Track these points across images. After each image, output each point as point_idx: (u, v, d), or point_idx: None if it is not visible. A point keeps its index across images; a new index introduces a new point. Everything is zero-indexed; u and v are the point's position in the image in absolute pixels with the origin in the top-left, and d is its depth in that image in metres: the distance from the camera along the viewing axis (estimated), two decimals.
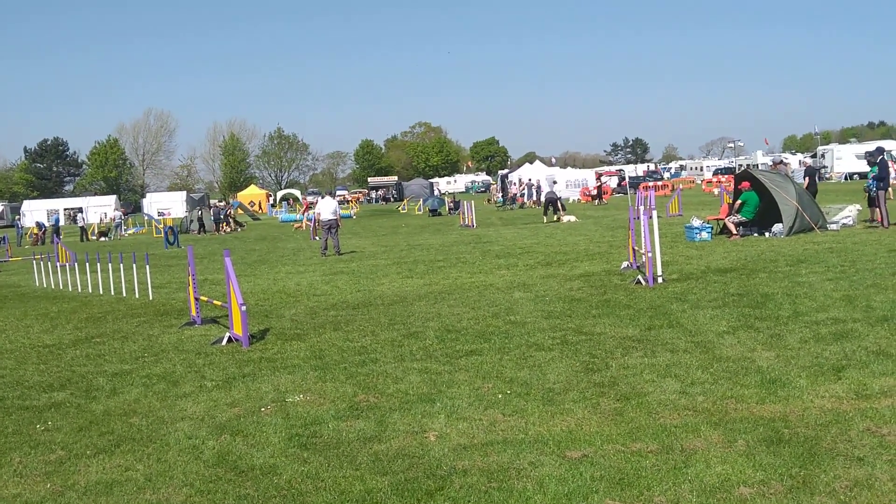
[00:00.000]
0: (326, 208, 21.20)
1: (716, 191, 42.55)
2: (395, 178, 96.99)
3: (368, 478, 4.74)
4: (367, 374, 7.26)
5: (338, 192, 72.28)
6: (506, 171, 66.55)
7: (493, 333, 8.77)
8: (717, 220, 18.88)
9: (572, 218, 29.55)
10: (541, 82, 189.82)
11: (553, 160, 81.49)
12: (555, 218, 29.96)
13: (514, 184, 54.40)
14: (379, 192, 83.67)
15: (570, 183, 56.13)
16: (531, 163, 66.93)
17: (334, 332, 9.46)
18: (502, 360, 7.49)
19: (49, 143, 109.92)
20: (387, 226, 36.53)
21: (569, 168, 71.67)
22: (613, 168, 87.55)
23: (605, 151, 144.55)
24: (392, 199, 79.72)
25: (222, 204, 48.11)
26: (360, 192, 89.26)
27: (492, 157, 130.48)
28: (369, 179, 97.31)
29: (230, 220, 42.60)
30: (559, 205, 30.89)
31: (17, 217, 61.20)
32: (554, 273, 13.72)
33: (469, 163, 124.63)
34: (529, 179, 51.26)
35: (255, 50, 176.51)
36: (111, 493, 4.75)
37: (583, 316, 9.45)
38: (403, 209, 55.61)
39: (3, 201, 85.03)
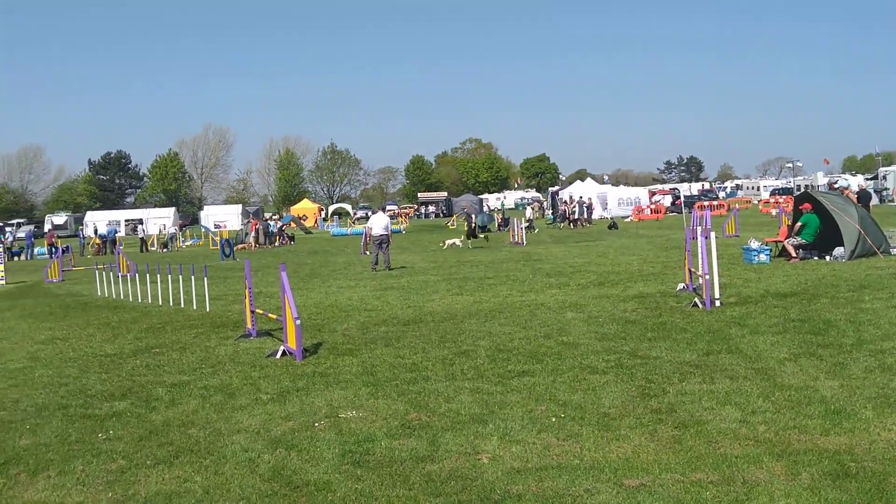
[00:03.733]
0: (378, 223, 21.35)
1: (773, 212, 41.71)
2: (445, 193, 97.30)
3: (422, 498, 4.73)
4: (418, 392, 7.27)
5: (387, 207, 72.85)
6: (556, 188, 66.24)
7: (546, 354, 8.70)
8: (776, 242, 18.47)
9: (457, 242, 30.70)
10: (593, 99, 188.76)
11: (605, 178, 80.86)
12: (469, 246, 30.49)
13: (565, 202, 54.11)
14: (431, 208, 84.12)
15: (622, 201, 55.62)
16: (582, 180, 66.48)
17: (385, 349, 9.50)
18: (555, 382, 7.42)
19: (112, 155, 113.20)
20: (436, 241, 36.61)
21: (621, 186, 70.96)
22: (667, 186, 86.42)
23: (658, 170, 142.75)
24: (441, 215, 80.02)
25: (276, 218, 48.82)
26: (409, 208, 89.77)
27: (542, 174, 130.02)
28: (419, 195, 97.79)
29: (283, 233, 43.25)
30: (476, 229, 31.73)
31: (79, 227, 63.05)
32: (607, 293, 13.57)
33: (519, 179, 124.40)
34: (581, 197, 50.93)
35: (311, 67, 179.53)
36: None
37: (638, 339, 9.32)
38: (453, 225, 55.72)
39: (68, 212, 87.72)
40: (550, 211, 55.30)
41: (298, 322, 9.02)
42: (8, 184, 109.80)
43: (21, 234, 63.53)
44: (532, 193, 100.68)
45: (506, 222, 42.95)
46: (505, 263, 21.22)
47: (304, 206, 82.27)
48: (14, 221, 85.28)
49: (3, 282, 24.80)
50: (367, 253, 27.84)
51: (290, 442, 5.93)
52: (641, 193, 59.58)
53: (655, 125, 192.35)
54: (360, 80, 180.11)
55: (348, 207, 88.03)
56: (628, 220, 48.17)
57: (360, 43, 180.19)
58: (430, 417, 6.44)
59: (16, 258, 42.52)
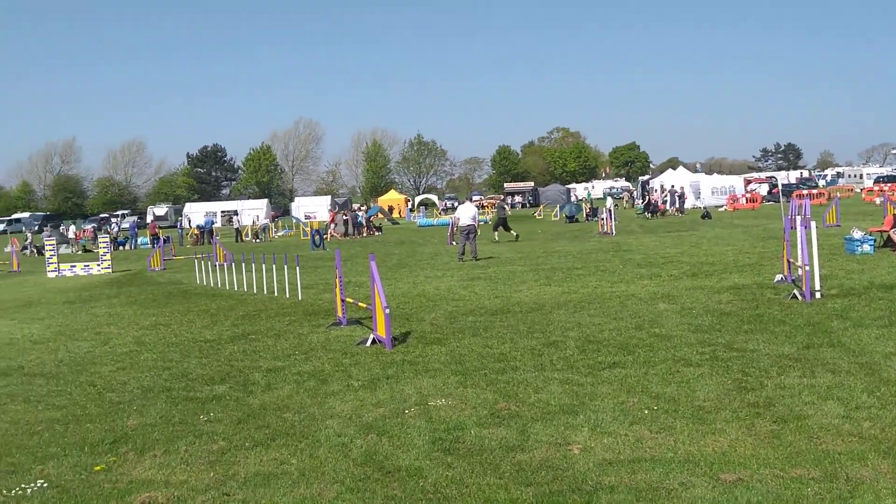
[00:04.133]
0: (466, 214, 21.41)
1: (878, 200, 39.62)
2: (532, 183, 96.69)
3: (512, 487, 4.74)
4: (507, 382, 7.27)
5: (473, 198, 72.89)
6: (647, 177, 64.87)
7: (637, 346, 8.55)
8: (881, 231, 17.57)
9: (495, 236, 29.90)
10: (685, 85, 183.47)
11: (697, 166, 78.70)
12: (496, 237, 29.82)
13: (656, 191, 52.94)
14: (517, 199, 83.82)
15: (715, 190, 53.99)
16: (674, 168, 64.82)
17: (473, 338, 9.53)
18: (647, 375, 7.28)
19: (209, 149, 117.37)
20: (522, 231, 36.45)
21: (714, 174, 68.86)
22: (763, 174, 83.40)
23: (753, 157, 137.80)
24: (528, 205, 79.63)
25: (363, 210, 49.60)
26: (495, 198, 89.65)
27: (631, 163, 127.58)
28: (505, 185, 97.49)
29: (370, 224, 43.91)
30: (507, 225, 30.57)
31: (178, 218, 65.69)
32: (701, 285, 13.23)
33: (607, 168, 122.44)
34: (672, 186, 49.72)
35: (398, 59, 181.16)
36: (268, 485, 4.99)
37: (734, 331, 9.05)
38: (539, 215, 55.35)
39: (168, 203, 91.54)
40: (640, 201, 54.18)
41: (388, 311, 9.15)
42: (113, 177, 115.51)
43: (125, 225, 66.65)
44: (621, 183, 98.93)
45: (594, 212, 42.38)
46: (594, 254, 20.95)
47: (391, 197, 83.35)
48: (119, 213, 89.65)
49: (110, 270, 26.11)
50: (454, 243, 27.98)
51: (382, 428, 6.04)
52: (736, 182, 57.62)
53: (751, 111, 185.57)
54: (446, 72, 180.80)
55: (434, 198, 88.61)
56: (722, 209, 46.73)
57: (446, 36, 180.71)
58: (519, 407, 6.43)
59: (121, 248, 44.63)
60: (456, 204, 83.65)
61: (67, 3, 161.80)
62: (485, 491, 4.70)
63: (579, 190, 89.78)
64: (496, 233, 30.44)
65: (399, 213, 73.10)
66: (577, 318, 10.63)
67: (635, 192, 65.23)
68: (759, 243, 21.03)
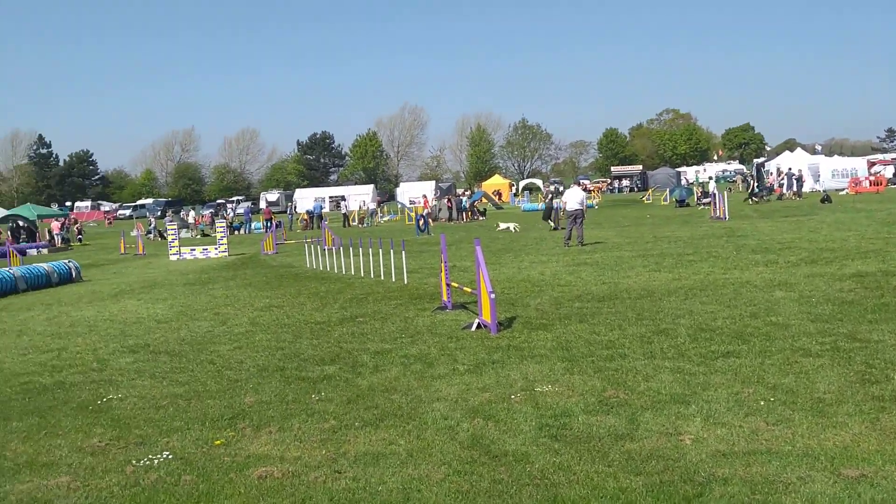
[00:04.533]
0: (573, 198, 21.15)
1: None
2: (640, 167, 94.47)
3: (621, 476, 4.66)
4: (615, 370, 7.15)
5: (580, 181, 71.87)
6: (762, 159, 62.21)
7: (752, 335, 8.23)
8: None
9: (511, 226, 30.20)
10: (802, 62, 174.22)
11: (817, 147, 74.83)
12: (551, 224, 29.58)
13: (772, 173, 50.72)
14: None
15: (836, 172, 51.26)
16: (791, 150, 61.94)
17: (580, 325, 9.42)
18: (763, 365, 7.01)
19: (318, 136, 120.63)
20: (630, 216, 35.72)
21: (835, 156, 65.30)
22: (888, 156, 78.37)
23: (878, 138, 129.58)
24: (636, 189, 77.90)
25: (467, 194, 49.79)
26: (602, 182, 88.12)
27: (745, 145, 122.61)
28: (612, 168, 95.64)
29: (475, 209, 44.04)
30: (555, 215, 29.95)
31: (288, 204, 67.86)
32: (820, 272, 12.59)
33: (720, 151, 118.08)
34: (790, 169, 47.52)
35: (502, 42, 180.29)
36: (377, 464, 5.10)
37: (856, 320, 8.58)
38: (648, 199, 54.07)
39: (279, 189, 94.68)
40: (755, 184, 52.01)
41: (493, 296, 9.16)
42: (228, 164, 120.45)
43: (240, 210, 69.41)
44: (734, 165, 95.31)
45: (705, 196, 41.04)
46: (706, 239, 20.30)
47: (496, 182, 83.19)
48: (234, 198, 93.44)
49: (226, 254, 27.27)
50: (560, 228, 27.72)
51: (488, 412, 6.06)
52: (859, 164, 54.51)
53: (875, 88, 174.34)
54: (551, 54, 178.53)
55: (539, 182, 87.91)
56: (843, 192, 44.33)
57: (551, 17, 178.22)
58: (628, 395, 6.32)
59: (236, 232, 46.53)
60: (561, 188, 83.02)
61: (188, 9, 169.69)
62: (593, 479, 4.65)
63: (690, 173, 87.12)
64: (550, 221, 30.53)
65: (502, 197, 72.96)
66: (688, 305, 10.33)
67: (749, 176, 62.74)
68: (883, 228, 19.84)
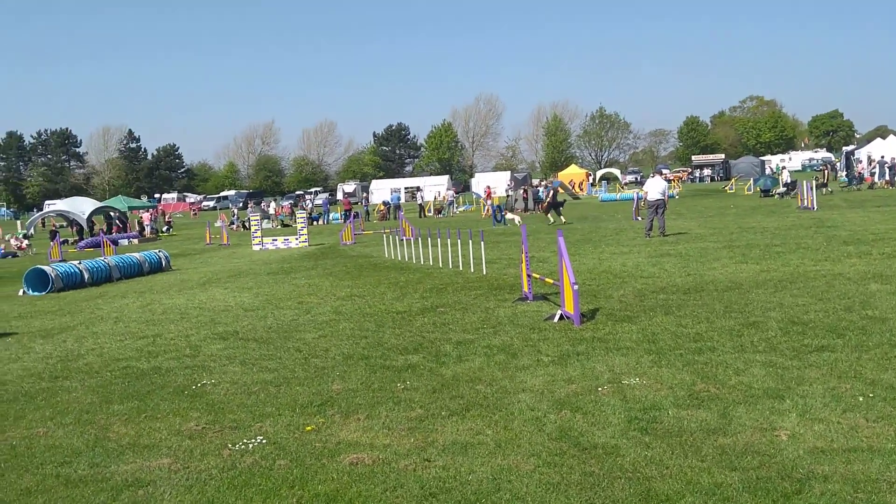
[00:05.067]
0: (655, 188, 20.74)
1: None
2: (722, 156, 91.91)
3: (716, 471, 4.56)
4: (704, 363, 6.99)
5: (662, 171, 70.31)
6: (852, 147, 59.68)
7: (847, 329, 7.93)
8: None
9: (516, 218, 30.08)
10: (894, 44, 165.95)
11: None
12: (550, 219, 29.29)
13: (861, 161, 48.63)
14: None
15: None
16: (883, 138, 59.15)
17: (665, 317, 9.24)
18: (860, 360, 6.74)
19: (393, 128, 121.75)
20: (713, 207, 34.81)
21: None
22: None
23: None
24: (717, 179, 75.87)
25: (544, 185, 49.42)
26: (682, 171, 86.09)
27: (833, 132, 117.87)
28: (693, 158, 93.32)
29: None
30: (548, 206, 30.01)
31: (364, 195, 68.71)
32: None
33: (806, 139, 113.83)
34: (882, 157, 45.47)
35: (579, 30, 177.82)
36: (466, 453, 5.13)
37: None
38: (731, 189, 52.58)
39: (356, 181, 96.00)
40: (843, 173, 49.94)
41: (576, 287, 9.07)
42: (307, 156, 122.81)
43: (318, 202, 70.64)
44: (822, 154, 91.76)
45: (792, 185, 39.66)
46: (793, 230, 19.62)
47: (572, 172, 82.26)
48: (313, 190, 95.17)
49: (307, 244, 27.83)
50: (639, 219, 27.25)
51: (575, 404, 6.01)
52: None
53: None
54: (629, 41, 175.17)
55: (617, 172, 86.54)
56: None
57: (628, 4, 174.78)
58: (719, 389, 6.17)
59: (314, 223, 47.39)
60: (639, 178, 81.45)
61: (269, 9, 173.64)
62: (686, 473, 4.56)
63: (774, 162, 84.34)
64: (549, 215, 30.36)
65: (579, 188, 72.09)
66: (778, 297, 10.01)
67: (838, 164, 60.29)
68: None
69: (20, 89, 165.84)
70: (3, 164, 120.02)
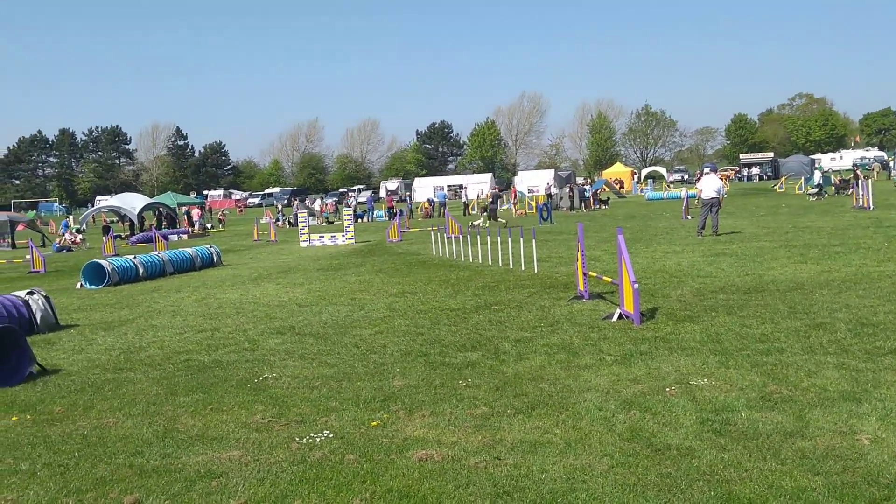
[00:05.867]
0: (709, 186, 20.40)
1: None
2: (771, 154, 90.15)
3: (798, 475, 4.44)
4: (773, 364, 6.83)
5: (705, 170, 69.19)
6: None
7: None
8: None
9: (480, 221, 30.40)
10: None
11: None
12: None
13: None
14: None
15: None
16: None
17: (728, 317, 9.06)
18: None
19: (436, 126, 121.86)
20: (764, 206, 34.14)
21: None
22: None
23: None
24: (766, 178, 74.48)
25: (589, 183, 49.03)
26: (730, 170, 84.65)
27: (886, 131, 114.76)
28: (741, 156, 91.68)
29: (596, 198, 43.32)
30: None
31: (408, 193, 68.88)
32: None
33: (857, 137, 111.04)
34: None
35: (624, 27, 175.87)
36: (536, 452, 5.07)
37: None
38: (781, 188, 51.54)
39: (399, 179, 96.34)
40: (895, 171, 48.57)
41: (636, 286, 8.94)
42: (350, 153, 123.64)
43: (362, 199, 71.04)
44: (874, 152, 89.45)
45: (844, 184, 38.73)
46: (851, 230, 19.14)
47: (617, 170, 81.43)
48: (356, 187, 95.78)
49: (353, 241, 27.99)
50: (690, 217, 26.86)
51: (644, 405, 5.90)
52: None
53: None
54: (675, 37, 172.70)
55: (662, 170, 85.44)
56: None
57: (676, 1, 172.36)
58: (791, 391, 6.01)
59: (359, 220, 47.59)
60: (685, 177, 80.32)
61: (312, 5, 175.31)
62: (767, 477, 4.44)
63: (825, 160, 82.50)
64: (482, 218, 31.39)
65: (623, 186, 71.31)
66: (843, 298, 9.75)
67: (892, 163, 58.71)
68: None
69: (72, 87, 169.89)
70: (56, 160, 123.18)
